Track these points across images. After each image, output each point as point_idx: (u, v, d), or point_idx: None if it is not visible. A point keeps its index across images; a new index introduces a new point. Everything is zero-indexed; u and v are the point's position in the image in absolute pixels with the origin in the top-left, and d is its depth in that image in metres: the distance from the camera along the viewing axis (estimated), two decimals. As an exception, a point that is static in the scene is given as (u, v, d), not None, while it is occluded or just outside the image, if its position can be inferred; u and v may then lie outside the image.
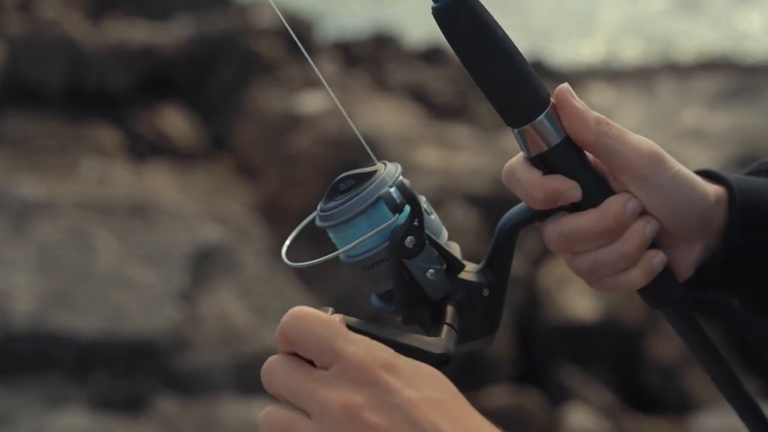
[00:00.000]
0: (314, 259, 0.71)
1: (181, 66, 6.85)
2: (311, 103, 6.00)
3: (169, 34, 6.99)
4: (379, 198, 0.69)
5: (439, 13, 0.70)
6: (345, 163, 5.25)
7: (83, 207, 4.15)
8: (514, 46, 0.72)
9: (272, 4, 0.81)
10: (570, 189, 0.73)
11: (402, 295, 0.70)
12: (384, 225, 0.68)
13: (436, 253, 0.70)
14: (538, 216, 0.76)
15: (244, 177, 6.13)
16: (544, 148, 0.73)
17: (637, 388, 4.03)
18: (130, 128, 6.48)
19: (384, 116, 5.48)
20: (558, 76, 6.87)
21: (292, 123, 5.79)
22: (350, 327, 0.63)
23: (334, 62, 7.24)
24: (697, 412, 3.54)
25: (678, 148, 5.23)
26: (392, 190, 0.69)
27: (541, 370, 3.94)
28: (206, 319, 3.72)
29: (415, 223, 0.68)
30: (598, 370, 4.19)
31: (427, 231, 0.70)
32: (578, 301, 4.10)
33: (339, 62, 7.37)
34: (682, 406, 3.64)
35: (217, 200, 5.53)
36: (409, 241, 0.68)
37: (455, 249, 0.73)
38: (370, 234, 0.69)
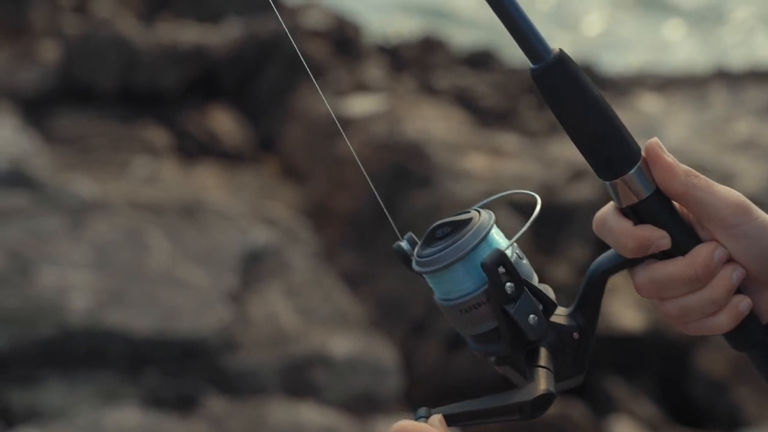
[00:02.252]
0: None
1: (230, 67, 6.93)
2: (359, 106, 6.04)
3: (219, 35, 7.08)
4: (477, 244, 0.72)
5: (537, 75, 0.73)
6: (393, 167, 5.28)
7: (136, 206, 4.23)
8: (607, 105, 0.75)
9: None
10: (660, 238, 0.77)
11: (504, 339, 0.74)
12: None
13: (533, 297, 0.73)
14: (628, 263, 0.79)
15: (290, 178, 6.19)
16: (635, 199, 0.76)
17: (684, 401, 4.00)
18: (179, 128, 6.58)
19: (432, 121, 5.50)
20: (607, 82, 6.83)
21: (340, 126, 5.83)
22: (448, 417, 0.66)
23: (381, 66, 7.27)
24: (747, 429, 3.51)
25: (728, 159, 5.18)
26: (488, 238, 0.73)
27: (587, 381, 3.93)
28: (255, 320, 3.78)
29: (512, 269, 0.72)
30: (645, 382, 4.17)
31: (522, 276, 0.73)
32: (625, 312, 4.08)
33: (386, 66, 7.40)
34: (730, 422, 3.61)
35: (265, 201, 5.59)
36: (509, 287, 0.72)
37: (549, 292, 0.77)
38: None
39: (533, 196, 0.78)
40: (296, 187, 5.91)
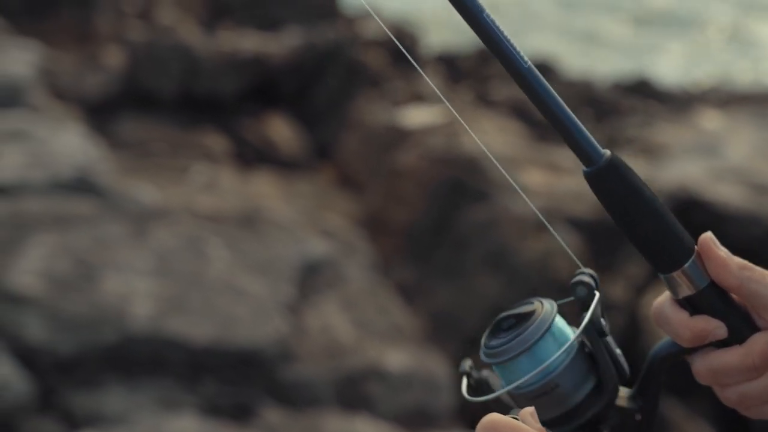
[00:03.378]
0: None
1: (288, 75, 7.01)
2: (417, 117, 6.05)
3: (279, 43, 7.16)
4: (541, 336, 0.76)
5: (591, 178, 0.76)
6: (450, 180, 5.28)
7: (197, 214, 4.30)
8: (660, 203, 0.78)
9: (375, 17, 0.86)
10: (716, 329, 0.79)
11: (571, 425, 0.77)
12: (549, 360, 0.76)
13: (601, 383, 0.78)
14: (686, 350, 0.81)
15: (346, 187, 6.23)
16: (691, 291, 0.79)
17: (741, 423, 3.93)
18: (237, 135, 6.67)
19: (489, 134, 5.49)
20: (667, 98, 6.75)
21: (396, 137, 5.85)
22: (546, 424, 0.68)
23: (438, 76, 7.28)
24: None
25: (792, 179, 5.07)
26: (552, 328, 0.77)
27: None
28: (311, 332, 3.81)
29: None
30: (701, 403, 4.11)
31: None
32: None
33: (443, 76, 7.41)
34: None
35: (321, 211, 5.64)
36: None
37: (621, 361, 0.80)
38: (552, 358, 0.75)
39: (594, 293, 0.79)
40: (352, 197, 5.95)
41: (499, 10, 11.67)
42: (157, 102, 6.72)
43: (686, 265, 0.77)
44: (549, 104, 0.74)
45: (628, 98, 7.21)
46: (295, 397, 3.50)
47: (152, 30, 7.23)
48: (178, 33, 7.13)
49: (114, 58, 7.03)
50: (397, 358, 3.79)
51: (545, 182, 4.92)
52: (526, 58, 0.73)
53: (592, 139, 0.76)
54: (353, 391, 3.60)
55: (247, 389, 3.49)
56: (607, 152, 0.76)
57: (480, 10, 0.72)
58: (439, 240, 4.81)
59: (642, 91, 7.29)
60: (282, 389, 3.52)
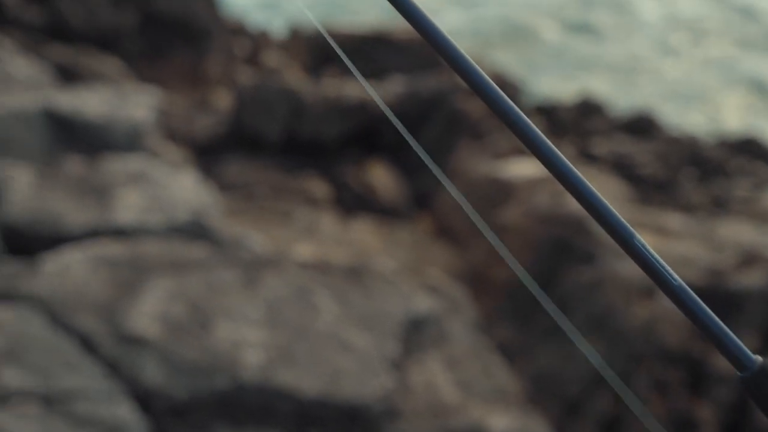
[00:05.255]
0: None
1: (391, 123, 7.09)
2: (519, 170, 6.05)
3: (382, 91, 7.27)
4: None
5: (746, 383, 0.76)
6: (555, 239, 5.24)
7: (305, 263, 4.38)
8: None
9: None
10: None
11: None
12: None
13: None
14: None
15: (444, 239, 6.26)
16: None
17: None
18: (338, 180, 6.78)
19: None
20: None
21: (498, 190, 5.86)
22: None
23: (537, 127, 7.27)
24: None
25: None
26: None
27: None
28: (415, 390, 3.82)
29: None
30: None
31: None
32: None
33: (542, 127, 7.40)
34: None
35: (422, 262, 5.67)
36: None
37: None
38: None
39: None
40: (451, 249, 5.97)
41: (603, 61, 11.57)
42: (262, 145, 6.89)
43: None
44: (698, 314, 0.77)
45: (735, 158, 7.05)
46: (399, 456, 3.51)
47: (260, 74, 7.44)
48: (285, 77, 7.32)
49: (223, 100, 7.26)
50: (500, 421, 3.77)
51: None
52: (675, 275, 0.76)
53: (740, 343, 0.78)
54: (456, 453, 3.59)
55: (352, 444, 3.52)
56: (759, 358, 0.78)
57: (632, 235, 0.74)
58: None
59: (750, 151, 7.13)
60: (386, 447, 3.54)
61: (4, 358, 3.42)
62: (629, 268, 4.63)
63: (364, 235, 6.18)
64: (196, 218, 4.54)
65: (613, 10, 13.60)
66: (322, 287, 4.17)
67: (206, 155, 6.67)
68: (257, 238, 4.81)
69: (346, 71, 7.83)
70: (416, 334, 4.08)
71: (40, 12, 7.19)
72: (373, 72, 7.66)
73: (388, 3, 0.75)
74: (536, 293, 0.74)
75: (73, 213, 4.38)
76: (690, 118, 9.79)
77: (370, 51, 8.01)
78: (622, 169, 6.94)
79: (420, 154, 0.82)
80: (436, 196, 6.58)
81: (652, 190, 6.63)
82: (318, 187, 6.59)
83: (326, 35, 0.86)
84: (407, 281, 4.54)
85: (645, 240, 0.76)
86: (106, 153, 5.03)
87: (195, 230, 4.49)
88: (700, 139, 7.56)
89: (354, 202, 6.57)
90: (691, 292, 0.76)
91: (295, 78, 7.41)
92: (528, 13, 12.86)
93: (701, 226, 5.35)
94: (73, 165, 4.82)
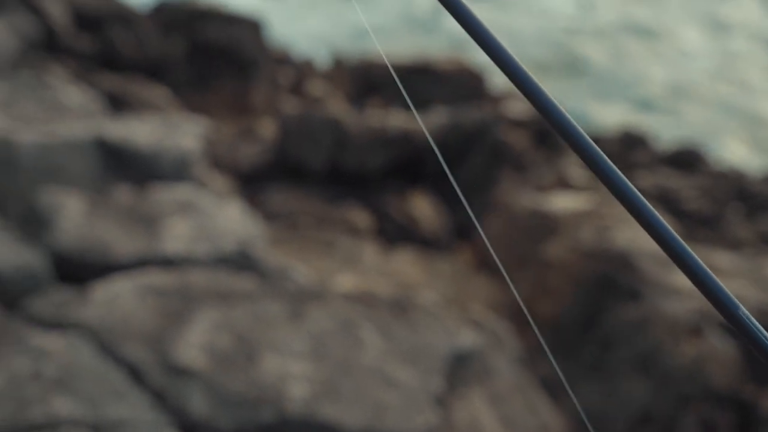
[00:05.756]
0: None
1: (433, 153, 7.12)
2: (563, 203, 6.02)
3: (425, 122, 7.30)
4: None
5: None
6: (600, 275, 5.18)
7: (349, 295, 4.39)
8: None
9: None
10: None
11: None
12: None
13: None
14: None
15: (486, 271, 6.24)
16: None
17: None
18: (381, 210, 6.81)
19: (637, 228, 5.39)
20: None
21: (542, 223, 5.83)
22: None
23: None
24: None
25: None
26: None
27: None
28: (459, 426, 3.80)
29: None
30: None
31: None
32: None
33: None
34: None
35: (464, 296, 5.66)
36: None
37: None
38: None
39: None
40: (493, 281, 5.94)
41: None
42: (305, 174, 6.95)
43: None
44: None
45: (783, 194, 6.95)
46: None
47: (304, 103, 7.51)
48: (329, 107, 7.38)
49: (267, 129, 7.33)
50: (544, 460, 3.73)
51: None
52: (756, 322, 0.74)
53: None
54: (501, 492, 3.56)
55: (396, 481, 3.50)
56: None
57: (736, 307, 0.73)
58: (586, 336, 4.73)
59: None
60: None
61: (54, 387, 3.47)
62: (676, 306, 4.57)
63: (405, 266, 6.18)
64: (242, 248, 4.58)
65: (655, 39, 13.54)
66: (367, 320, 4.17)
67: (250, 184, 6.73)
68: (302, 269, 4.84)
69: (389, 101, 7.88)
70: (460, 369, 4.06)
71: (92, 41, 7.35)
72: (416, 102, 7.70)
73: (456, 25, 0.74)
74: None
75: (123, 241, 4.44)
76: (736, 151, 9.68)
77: (411, 81, 8.06)
78: (667, 203, 6.88)
79: (456, 189, 0.83)
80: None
81: (697, 225, 6.56)
82: (360, 217, 6.61)
83: (390, 67, 0.87)
84: (451, 315, 4.53)
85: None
86: (154, 182, 5.11)
87: (241, 260, 4.53)
88: (747, 173, 7.48)
89: (395, 233, 6.58)
90: None
91: (338, 108, 7.47)
92: (572, 37, 12.84)
93: (749, 263, 5.28)
94: (123, 193, 4.90)
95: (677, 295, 4.65)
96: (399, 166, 7.02)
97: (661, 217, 0.72)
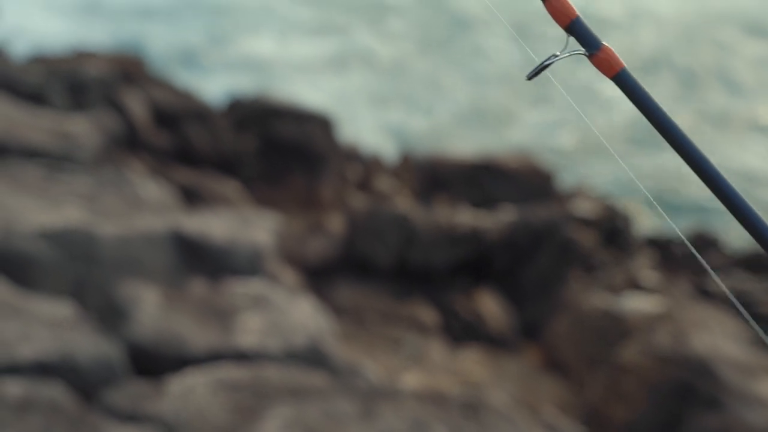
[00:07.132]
0: None
1: (501, 251, 7.11)
2: (635, 305, 5.92)
3: (493, 219, 7.32)
4: None
5: None
6: (678, 382, 5.05)
7: (420, 395, 4.34)
8: None
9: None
10: None
11: None
12: None
13: None
14: None
15: (553, 371, 6.13)
16: None
17: None
18: (447, 308, 6.78)
19: (715, 334, 5.27)
20: None
21: (613, 325, 5.74)
22: None
23: (652, 263, 7.14)
24: None
25: None
26: None
27: None
28: None
29: None
30: None
31: None
32: None
33: (657, 263, 7.26)
34: None
35: (532, 396, 5.55)
36: None
37: None
38: None
39: None
40: (561, 383, 5.83)
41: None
42: (372, 269, 6.99)
43: None
44: None
45: None
46: None
47: (371, 199, 7.62)
48: (396, 203, 7.47)
49: (335, 224, 7.43)
50: None
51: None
52: None
53: None
54: None
55: None
56: None
57: None
58: (663, 445, 4.58)
59: None
60: None
61: (129, 481, 3.47)
62: (759, 416, 4.42)
63: (471, 364, 6.11)
64: (313, 344, 4.59)
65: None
66: (438, 421, 4.11)
67: (318, 278, 6.79)
68: (370, 366, 4.82)
69: (456, 198, 7.94)
70: (534, 477, 3.95)
71: (169, 137, 7.61)
72: (482, 200, 7.74)
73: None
74: None
75: (197, 335, 4.50)
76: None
77: (478, 179, 8.13)
78: (741, 306, 6.71)
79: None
80: (545, 326, 6.49)
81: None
82: (426, 313, 6.59)
83: (693, 250, 0.86)
84: (522, 417, 4.44)
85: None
86: (228, 275, 5.19)
87: (312, 356, 4.53)
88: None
89: (462, 330, 6.54)
90: None
91: (405, 204, 7.55)
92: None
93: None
94: (198, 287, 4.98)
95: (759, 405, 4.49)
96: (466, 263, 7.02)
97: None
